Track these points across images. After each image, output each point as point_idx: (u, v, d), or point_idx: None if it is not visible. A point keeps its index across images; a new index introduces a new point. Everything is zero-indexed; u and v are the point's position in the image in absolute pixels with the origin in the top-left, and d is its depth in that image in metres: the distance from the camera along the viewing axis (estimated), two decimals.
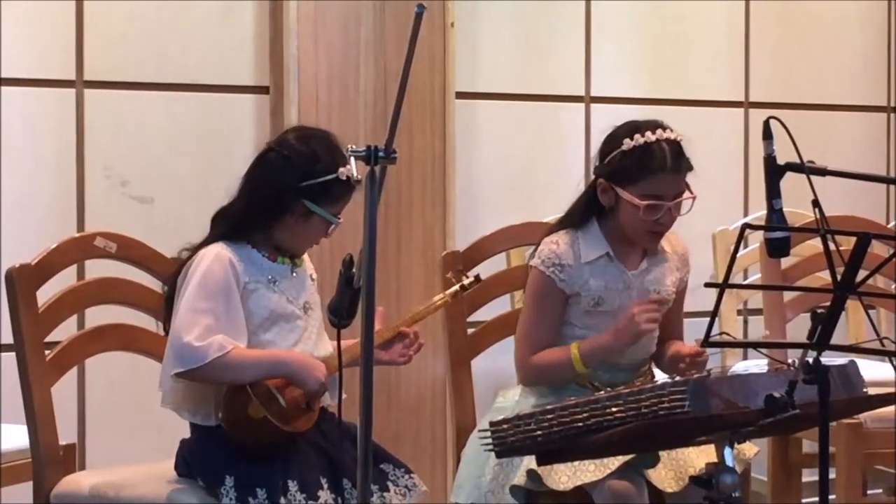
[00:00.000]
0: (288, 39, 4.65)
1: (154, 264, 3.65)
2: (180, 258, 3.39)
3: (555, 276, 3.53)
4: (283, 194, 3.32)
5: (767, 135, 2.92)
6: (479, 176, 5.12)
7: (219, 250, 3.32)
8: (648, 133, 3.47)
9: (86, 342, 3.61)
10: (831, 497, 3.46)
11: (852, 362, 2.96)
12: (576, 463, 3.31)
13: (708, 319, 2.85)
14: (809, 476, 4.58)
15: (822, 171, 2.93)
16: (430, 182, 4.85)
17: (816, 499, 2.76)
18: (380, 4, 4.75)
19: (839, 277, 2.75)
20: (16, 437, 3.76)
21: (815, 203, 2.81)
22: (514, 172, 5.19)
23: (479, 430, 3.40)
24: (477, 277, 3.64)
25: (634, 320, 3.43)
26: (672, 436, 2.97)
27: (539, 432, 2.92)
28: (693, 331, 3.70)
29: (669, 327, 3.64)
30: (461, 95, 4.97)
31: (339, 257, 2.94)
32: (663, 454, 3.39)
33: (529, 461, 3.35)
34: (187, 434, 3.39)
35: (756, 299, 5.09)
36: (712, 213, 4.73)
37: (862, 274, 2.76)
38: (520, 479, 3.41)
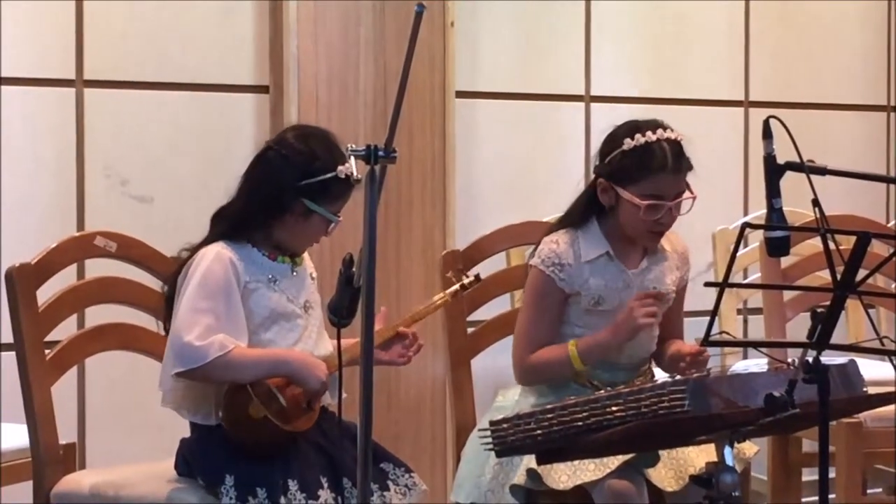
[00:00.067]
0: (288, 39, 4.65)
1: (154, 264, 3.65)
2: (180, 258, 3.39)
3: (555, 276, 3.53)
4: (283, 193, 3.32)
5: (767, 134, 2.93)
6: (479, 175, 5.12)
7: (219, 250, 3.32)
8: (649, 133, 3.47)
9: (86, 341, 3.61)
10: (831, 496, 3.46)
11: (852, 361, 2.96)
12: (575, 462, 3.31)
13: (708, 318, 2.85)
14: (809, 475, 4.58)
15: (822, 171, 2.93)
16: (429, 181, 4.85)
17: (816, 498, 2.76)
18: (379, 4, 4.75)
19: (839, 277, 2.75)
20: (16, 436, 3.76)
21: (815, 202, 2.81)
22: (514, 172, 5.19)
23: (479, 430, 3.40)
24: (477, 277, 3.64)
25: (632, 315, 3.43)
26: (672, 435, 2.98)
27: (539, 431, 2.92)
28: (693, 330, 3.70)
29: (670, 326, 3.64)
30: (461, 95, 4.97)
31: (339, 256, 2.94)
32: (663, 453, 3.39)
33: (529, 460, 3.35)
34: (187, 433, 3.39)
35: (756, 298, 5.09)
36: (712, 213, 4.73)
37: (862, 273, 2.76)
38: (520, 478, 3.41)
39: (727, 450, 2.91)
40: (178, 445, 3.39)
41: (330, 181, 3.32)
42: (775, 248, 2.94)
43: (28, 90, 4.45)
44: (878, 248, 4.06)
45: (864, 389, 2.97)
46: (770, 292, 4.36)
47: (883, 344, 2.88)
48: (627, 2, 5.36)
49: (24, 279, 3.44)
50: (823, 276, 4.12)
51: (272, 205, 3.33)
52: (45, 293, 3.51)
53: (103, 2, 4.53)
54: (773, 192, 2.92)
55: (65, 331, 3.61)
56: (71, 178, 4.51)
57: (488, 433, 3.02)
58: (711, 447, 3.02)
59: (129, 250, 3.65)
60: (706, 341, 2.90)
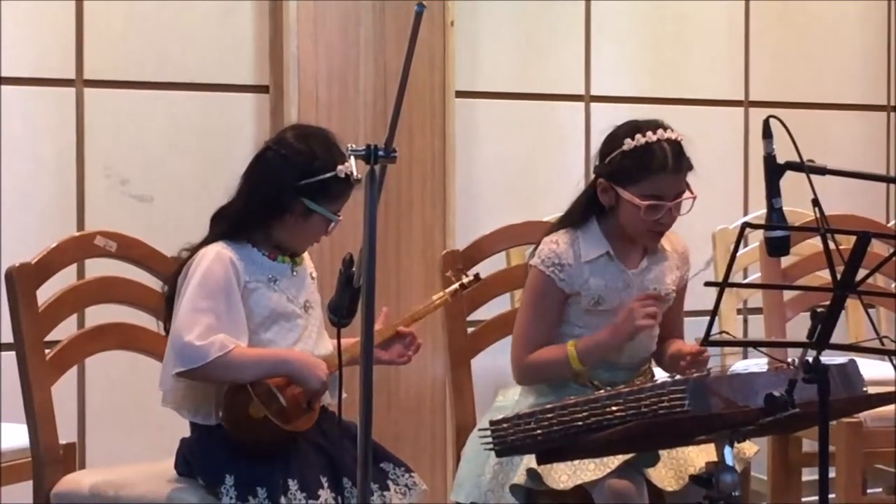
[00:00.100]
0: (288, 39, 4.65)
1: (154, 263, 3.65)
2: (180, 258, 3.39)
3: (554, 276, 3.53)
4: (282, 193, 3.32)
5: (767, 134, 2.93)
6: (479, 175, 5.12)
7: (219, 249, 3.32)
8: (649, 133, 3.47)
9: (86, 341, 3.61)
10: (831, 496, 3.45)
11: (852, 361, 2.96)
12: (575, 462, 3.31)
13: (708, 318, 2.85)
14: (809, 475, 4.58)
15: (822, 170, 2.94)
16: (429, 181, 4.85)
17: (816, 498, 2.76)
18: (379, 4, 4.75)
19: (839, 276, 2.75)
20: (16, 436, 3.76)
21: (815, 202, 2.81)
22: (514, 171, 5.19)
23: (479, 429, 3.40)
24: (476, 276, 3.64)
25: (632, 315, 3.43)
26: (672, 435, 2.98)
27: (539, 431, 2.92)
28: (693, 329, 3.70)
29: (670, 326, 3.64)
30: (461, 94, 4.97)
31: (339, 256, 2.94)
32: (663, 453, 3.39)
33: (529, 460, 3.35)
34: (187, 433, 3.39)
35: (756, 298, 5.09)
36: (712, 212, 4.72)
37: (862, 273, 2.76)
38: (520, 477, 3.41)
39: (727, 449, 2.91)
40: (178, 445, 3.39)
41: (329, 181, 3.32)
42: (775, 247, 2.94)
43: (28, 90, 4.45)
44: (878, 248, 4.06)
45: (864, 389, 2.97)
46: (770, 292, 4.36)
47: (883, 344, 2.88)
48: (627, 2, 5.36)
49: (24, 279, 3.44)
50: (823, 276, 4.12)
51: (272, 204, 3.33)
52: (45, 293, 3.51)
53: (103, 2, 4.53)
54: (773, 191, 2.92)
55: (65, 330, 3.61)
56: (71, 178, 4.51)
57: (488, 433, 3.02)
58: (711, 447, 3.02)
59: (129, 250, 3.65)
60: (706, 341, 2.90)
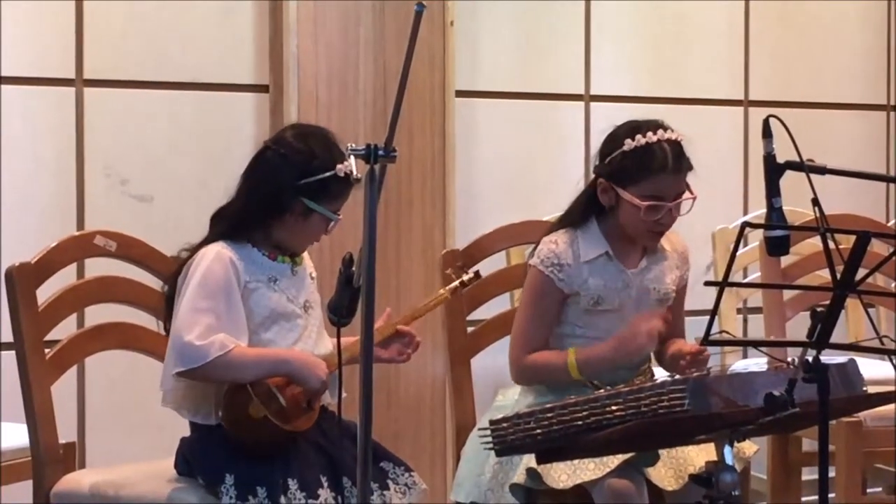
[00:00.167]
0: (287, 38, 4.65)
1: (154, 263, 3.65)
2: (180, 257, 3.39)
3: (553, 276, 3.53)
4: (282, 193, 3.32)
5: (767, 133, 2.93)
6: (479, 174, 5.12)
7: (219, 249, 3.32)
8: (650, 133, 3.47)
9: (86, 341, 3.61)
10: (831, 495, 3.45)
11: (852, 361, 2.96)
12: (575, 461, 3.31)
13: (708, 318, 2.85)
14: (809, 474, 4.58)
15: (822, 170, 2.94)
16: (429, 180, 4.85)
17: (816, 497, 2.76)
18: (379, 4, 4.75)
19: (839, 276, 2.75)
20: (16, 435, 3.76)
21: (815, 201, 2.81)
22: (514, 171, 5.19)
23: (479, 429, 3.40)
24: (477, 273, 3.63)
25: (635, 334, 3.41)
26: (672, 434, 2.98)
27: (539, 431, 2.92)
28: (693, 329, 3.70)
29: (671, 326, 3.64)
30: (461, 94, 4.97)
31: (339, 256, 2.94)
32: (663, 452, 3.39)
33: (529, 459, 3.35)
34: (187, 433, 3.39)
35: (756, 298, 5.09)
36: (712, 212, 4.73)
37: (861, 272, 2.76)
38: (519, 477, 3.41)
39: (727, 449, 2.91)
40: (178, 445, 3.39)
41: (329, 180, 3.32)
42: (775, 247, 2.94)
43: (28, 90, 4.45)
44: (878, 248, 4.06)
45: (864, 389, 2.97)
46: (770, 291, 4.36)
47: (883, 343, 2.88)
48: (627, 1, 5.36)
49: (24, 278, 3.44)
50: (823, 276, 4.12)
51: (271, 204, 3.33)
52: (45, 292, 3.51)
53: (103, 1, 4.53)
54: (772, 191, 2.92)
55: (65, 330, 3.61)
56: (71, 178, 4.51)
57: (488, 432, 3.02)
58: (711, 446, 3.02)
59: (129, 249, 3.65)
60: (706, 340, 2.89)
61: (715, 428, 2.86)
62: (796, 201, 3.22)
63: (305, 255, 3.48)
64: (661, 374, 3.57)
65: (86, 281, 3.76)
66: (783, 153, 2.92)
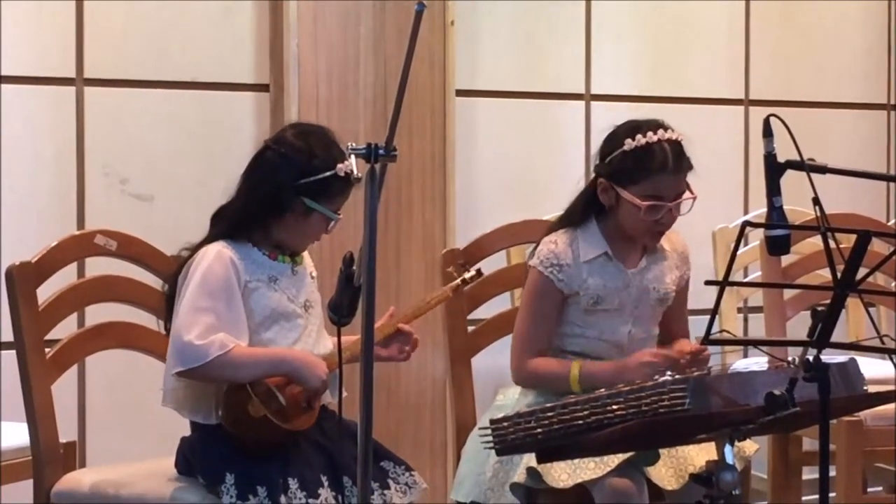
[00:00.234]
0: (288, 37, 4.65)
1: (154, 262, 3.65)
2: (180, 257, 3.39)
3: (553, 277, 3.53)
4: (282, 192, 3.32)
5: (767, 132, 2.92)
6: (479, 173, 5.12)
7: (219, 249, 3.32)
8: (650, 133, 3.47)
9: (86, 340, 3.61)
10: (831, 495, 3.46)
11: (852, 360, 2.96)
12: (576, 461, 3.31)
13: (708, 317, 2.85)
14: (809, 474, 4.57)
15: (822, 169, 2.93)
16: (429, 180, 4.85)
17: (817, 497, 2.76)
18: (380, 3, 4.75)
19: (839, 275, 2.75)
20: (16, 434, 3.76)
21: (816, 201, 2.81)
22: (514, 170, 5.19)
23: (480, 428, 3.40)
24: (478, 271, 3.63)
25: (642, 370, 3.40)
26: (672, 433, 2.98)
27: (539, 430, 2.92)
28: (694, 328, 3.71)
29: (673, 326, 3.65)
30: (461, 93, 4.97)
31: (340, 255, 2.94)
32: (663, 452, 3.39)
33: (529, 459, 3.35)
34: (188, 432, 3.39)
35: (756, 297, 5.09)
36: (712, 211, 4.72)
37: (862, 272, 2.76)
38: (520, 476, 3.41)
39: (727, 448, 2.91)
40: (178, 444, 3.39)
41: (329, 179, 3.32)
42: (776, 246, 2.94)
43: (28, 89, 4.45)
44: (879, 247, 4.06)
45: (865, 388, 2.97)
46: (770, 291, 4.36)
47: (883, 342, 2.88)
48: (628, 1, 5.36)
49: (25, 278, 3.44)
50: (824, 275, 4.12)
51: (272, 204, 3.33)
52: (46, 292, 3.51)
53: (103, 1, 4.53)
54: (773, 190, 2.92)
55: (65, 329, 3.61)
56: (71, 177, 4.51)
57: (489, 431, 3.02)
58: (712, 445, 3.02)
59: (130, 249, 3.65)
60: (706, 340, 2.89)
61: (715, 427, 2.86)
62: (797, 200, 3.22)
63: (306, 254, 3.48)
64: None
65: (86, 280, 3.76)
66: (784, 152, 2.92)
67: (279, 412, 3.25)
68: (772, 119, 2.90)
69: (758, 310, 4.80)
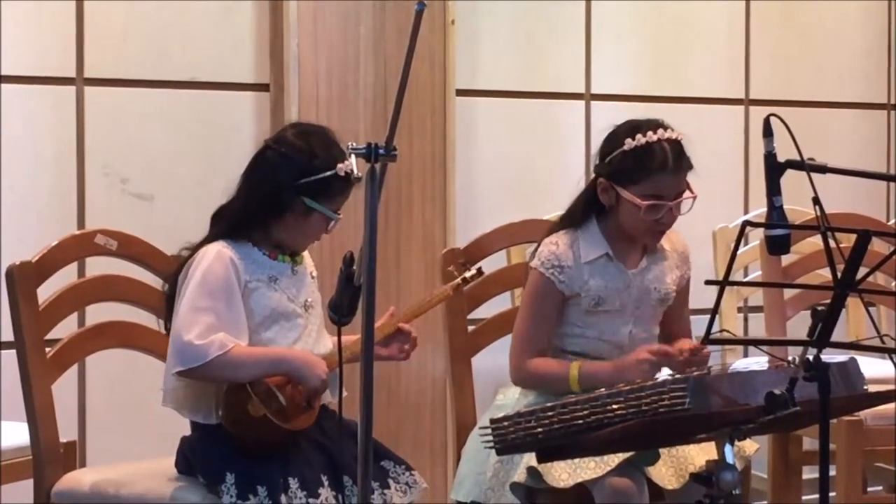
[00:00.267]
0: (288, 37, 4.65)
1: (154, 261, 3.65)
2: (181, 256, 3.39)
3: (554, 278, 3.53)
4: (282, 192, 3.32)
5: (768, 132, 2.92)
6: (479, 173, 5.12)
7: (219, 249, 3.32)
8: (650, 133, 3.47)
9: (86, 339, 3.61)
10: (831, 494, 3.46)
11: (853, 359, 2.96)
12: (576, 460, 3.31)
13: (708, 317, 2.85)
14: (810, 473, 4.57)
15: (823, 169, 2.93)
16: (430, 179, 4.85)
17: (817, 496, 2.76)
18: (380, 3, 4.75)
19: (839, 275, 2.75)
20: (16, 434, 3.76)
21: (816, 200, 2.81)
22: (514, 170, 5.19)
23: (480, 428, 3.40)
24: (479, 270, 3.63)
25: (640, 367, 3.40)
26: (672, 433, 2.98)
27: (539, 429, 2.92)
28: (694, 328, 3.70)
29: (675, 326, 3.64)
30: (461, 93, 4.97)
31: (340, 255, 2.94)
32: (664, 451, 3.39)
33: (530, 458, 3.35)
34: (188, 431, 3.39)
35: (756, 297, 5.09)
36: (713, 211, 4.72)
37: (862, 271, 2.76)
38: (520, 476, 3.41)
39: (728, 448, 2.91)
40: (178, 443, 3.39)
41: (329, 179, 3.32)
42: (776, 246, 2.94)
43: (28, 88, 4.45)
44: (879, 246, 4.06)
45: (865, 387, 2.97)
46: (770, 290, 4.36)
47: (883, 342, 2.88)
48: (628, 1, 5.36)
49: (25, 277, 3.44)
50: (824, 274, 4.12)
51: (272, 203, 3.33)
52: (46, 291, 3.51)
53: (103, 0, 4.53)
54: (773, 190, 2.92)
55: (65, 329, 3.61)
56: (71, 176, 4.51)
57: (489, 431, 3.02)
58: (712, 445, 3.02)
59: (130, 248, 3.66)
60: (707, 339, 2.90)
61: (715, 427, 2.86)
62: (797, 200, 3.22)
63: (306, 254, 3.48)
64: (662, 373, 3.57)
65: (86, 280, 3.76)
66: (784, 152, 2.92)
67: (279, 412, 3.25)
68: (772, 119, 2.90)
69: (758, 309, 4.80)
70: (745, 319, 5.47)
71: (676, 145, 3.49)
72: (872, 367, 3.43)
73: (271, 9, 4.72)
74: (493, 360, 3.95)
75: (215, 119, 4.69)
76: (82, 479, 3.45)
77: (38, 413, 3.43)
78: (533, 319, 3.56)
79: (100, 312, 3.77)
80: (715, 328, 2.88)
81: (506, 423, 2.99)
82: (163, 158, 4.62)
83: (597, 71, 5.33)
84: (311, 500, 3.21)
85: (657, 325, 3.63)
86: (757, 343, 3.85)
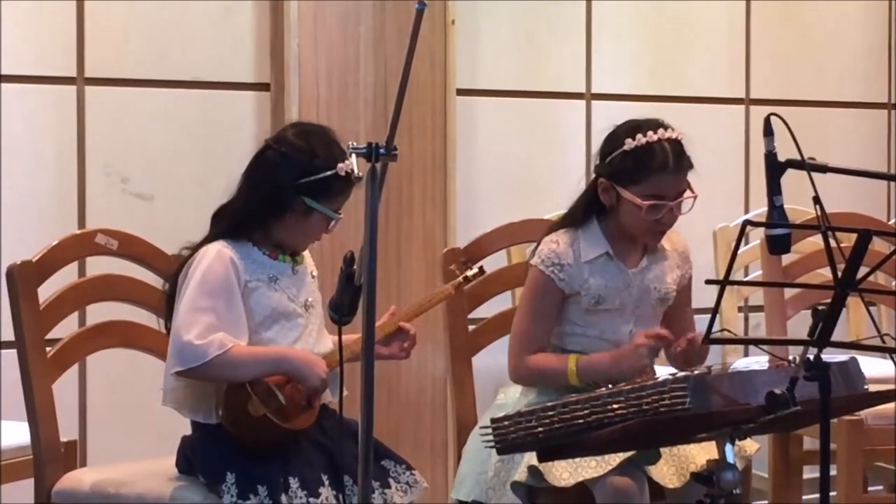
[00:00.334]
0: (288, 36, 4.65)
1: (155, 261, 3.65)
2: (181, 256, 3.39)
3: (554, 276, 3.53)
4: (282, 192, 3.31)
5: (768, 131, 2.92)
6: (480, 173, 5.12)
7: (220, 248, 3.32)
8: (650, 133, 3.47)
9: (87, 339, 3.61)
10: (832, 494, 3.46)
11: (853, 359, 2.96)
12: (577, 459, 3.31)
13: (709, 316, 2.85)
14: (810, 473, 4.58)
15: (823, 168, 2.93)
16: (430, 179, 4.85)
17: (817, 496, 2.76)
18: (380, 3, 4.75)
19: (840, 274, 2.75)
20: (17, 433, 3.76)
21: (816, 200, 2.81)
22: (515, 169, 5.19)
23: (481, 427, 3.41)
24: (481, 269, 3.63)
25: (637, 352, 3.41)
26: (673, 432, 2.98)
27: (540, 429, 2.92)
28: (696, 327, 3.70)
29: (678, 325, 3.64)
30: (462, 93, 4.97)
31: (340, 255, 2.94)
32: (664, 450, 3.39)
33: (530, 457, 3.35)
34: (188, 431, 3.39)
35: (757, 296, 5.09)
36: (713, 211, 4.72)
37: (863, 271, 2.76)
38: (521, 475, 3.41)
39: (728, 447, 2.91)
40: (179, 443, 3.39)
41: (330, 179, 3.32)
42: (776, 245, 2.94)
43: (29, 88, 4.45)
44: (879, 246, 4.07)
45: (865, 387, 2.97)
46: (771, 290, 4.36)
47: (884, 341, 2.88)
48: (628, 1, 5.36)
49: (25, 277, 3.44)
50: (824, 274, 4.12)
51: (272, 203, 3.33)
52: (46, 291, 3.51)
53: (104, 0, 4.53)
54: (773, 189, 2.92)
55: (66, 328, 3.61)
56: (72, 176, 4.51)
57: (489, 430, 3.02)
58: (713, 444, 3.02)
59: (130, 248, 3.66)
60: (707, 339, 2.90)
61: (716, 426, 2.86)
62: (797, 199, 3.22)
63: (306, 253, 3.48)
64: (662, 372, 3.57)
65: (87, 279, 3.77)
66: (784, 151, 2.92)
67: (279, 411, 3.25)
68: (772, 118, 2.90)
69: (758, 309, 4.80)
70: (746, 319, 5.47)
71: (677, 145, 3.49)
72: (873, 367, 3.44)
73: (272, 9, 4.72)
74: (493, 359, 3.94)
75: (216, 119, 4.69)
76: (83, 478, 3.45)
77: (39, 412, 3.43)
78: (532, 317, 3.56)
79: (100, 312, 3.77)
80: (715, 327, 2.88)
81: (506, 423, 2.99)
82: (163, 158, 4.62)
83: (597, 71, 5.33)
84: (311, 500, 3.21)
85: (658, 325, 3.62)
86: (757, 342, 3.85)
